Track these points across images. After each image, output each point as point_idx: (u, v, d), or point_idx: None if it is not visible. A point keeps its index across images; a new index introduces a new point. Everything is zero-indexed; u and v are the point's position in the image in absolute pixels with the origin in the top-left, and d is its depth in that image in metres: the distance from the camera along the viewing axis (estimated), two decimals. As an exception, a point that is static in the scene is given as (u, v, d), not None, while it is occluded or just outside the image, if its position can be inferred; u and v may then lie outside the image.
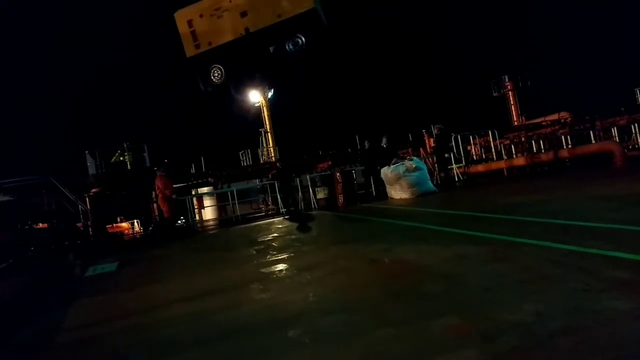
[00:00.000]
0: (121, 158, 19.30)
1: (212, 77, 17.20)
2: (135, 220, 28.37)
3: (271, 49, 16.59)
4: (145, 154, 19.37)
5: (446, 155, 15.77)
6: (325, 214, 13.03)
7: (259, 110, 28.24)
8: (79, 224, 14.25)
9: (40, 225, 15.84)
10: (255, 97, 27.99)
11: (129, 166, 19.24)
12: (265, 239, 9.29)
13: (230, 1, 16.20)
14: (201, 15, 16.70)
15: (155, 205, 13.03)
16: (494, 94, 36.92)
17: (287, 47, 15.98)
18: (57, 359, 3.96)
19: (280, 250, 7.66)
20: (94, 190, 13.63)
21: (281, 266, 6.22)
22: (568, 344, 2.52)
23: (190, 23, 16.85)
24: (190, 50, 17.01)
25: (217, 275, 6.55)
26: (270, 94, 28.29)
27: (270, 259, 6.89)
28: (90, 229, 13.39)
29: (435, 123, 16.55)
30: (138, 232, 25.12)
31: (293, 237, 9.29)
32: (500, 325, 2.90)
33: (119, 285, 7.06)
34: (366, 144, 16.50)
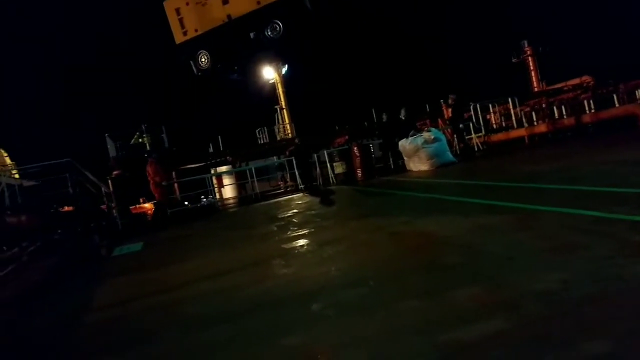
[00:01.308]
0: (140, 140, 19.52)
1: (199, 62, 17.84)
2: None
3: (252, 35, 17.02)
4: (164, 135, 19.55)
5: (461, 125, 15.51)
6: (344, 188, 13.03)
7: (273, 87, 28.08)
8: (103, 206, 14.55)
9: (66, 208, 16.22)
10: (269, 73, 27.79)
11: (148, 147, 19.45)
12: (285, 215, 9.36)
13: None
14: (187, 4, 17.26)
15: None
16: (513, 60, 35.91)
17: (266, 33, 16.47)
18: (87, 337, 4.08)
19: (300, 225, 7.72)
20: (115, 172, 13.84)
21: (302, 241, 6.27)
22: (595, 312, 2.49)
23: (178, 11, 17.48)
24: (178, 37, 17.76)
25: (240, 252, 6.65)
26: (284, 70, 28.06)
27: (291, 235, 6.95)
28: (114, 211, 13.67)
29: (450, 93, 16.30)
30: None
31: (313, 212, 9.34)
32: (525, 294, 2.87)
33: (145, 264, 7.24)
34: (384, 117, 16.33)
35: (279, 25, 16.31)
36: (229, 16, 16.62)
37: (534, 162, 10.78)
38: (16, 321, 5.15)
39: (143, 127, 19.43)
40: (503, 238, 4.40)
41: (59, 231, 13.69)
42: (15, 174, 19.75)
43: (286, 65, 28.02)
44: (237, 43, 17.36)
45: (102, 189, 14.11)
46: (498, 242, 4.28)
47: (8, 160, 29.61)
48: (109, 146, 18.12)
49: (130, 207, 14.70)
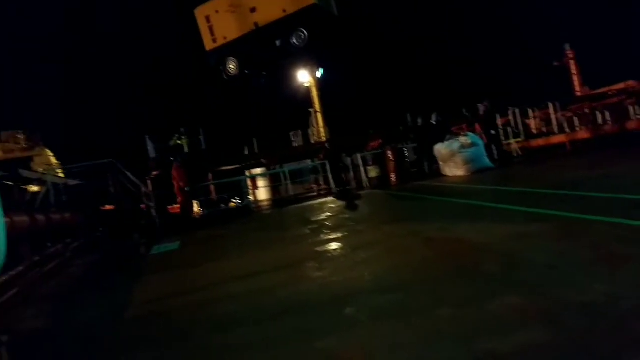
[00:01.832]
0: (179, 142, 19.97)
1: (228, 68, 18.35)
2: (194, 201, 29.42)
3: (277, 42, 17.37)
4: (201, 137, 19.95)
5: (492, 132, 15.10)
6: (377, 192, 12.96)
7: (308, 90, 28.22)
8: (143, 206, 14.97)
9: (107, 207, 16.76)
10: (304, 77, 27.95)
11: (186, 149, 19.88)
12: (319, 218, 9.37)
13: None
14: (217, 12, 17.82)
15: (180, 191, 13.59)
16: (554, 64, 34.75)
17: (291, 40, 16.76)
18: (127, 332, 4.21)
19: (333, 229, 7.72)
20: (154, 173, 14.21)
21: (335, 245, 6.26)
22: (642, 326, 2.38)
23: (208, 19, 18.00)
24: (208, 44, 18.25)
25: (273, 253, 6.71)
26: (319, 74, 28.15)
27: (325, 238, 6.95)
28: (152, 210, 14.04)
29: (483, 100, 16.23)
30: (197, 213, 26.04)
31: (346, 216, 9.32)
32: (567, 306, 2.78)
33: (182, 263, 7.40)
34: (419, 121, 16.15)
35: (303, 33, 16.62)
36: (256, 24, 17.15)
37: (576, 168, 10.42)
38: (60, 315, 5.36)
39: (182, 130, 19.92)
40: (544, 247, 4.27)
41: (101, 229, 14.16)
42: (60, 173, 20.60)
43: (321, 69, 28.11)
44: (264, 50, 17.84)
45: (142, 189, 14.52)
46: (538, 251, 4.15)
47: (54, 160, 30.95)
48: (148, 147, 18.64)
49: (168, 207, 15.03)
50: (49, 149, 31.62)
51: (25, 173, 17.82)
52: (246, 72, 18.88)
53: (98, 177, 15.65)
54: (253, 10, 17.10)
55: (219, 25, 17.92)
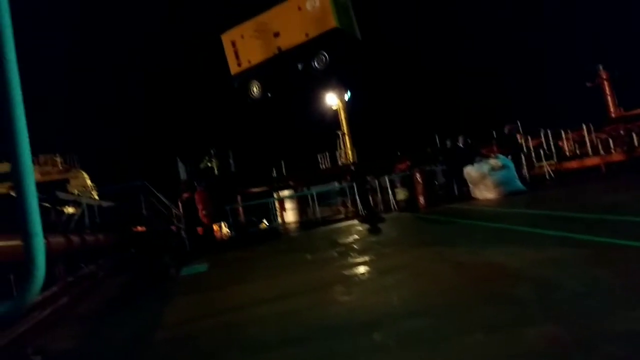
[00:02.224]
0: (209, 164, 20.38)
1: (252, 91, 18.78)
2: (222, 223, 29.80)
3: (299, 66, 17.66)
4: (231, 160, 20.31)
5: (509, 156, 14.77)
6: (405, 215, 12.84)
7: (336, 112, 28.45)
8: (173, 227, 15.24)
9: (139, 228, 17.12)
10: (332, 100, 28.24)
11: (216, 171, 20.26)
12: (346, 241, 9.34)
13: (265, 23, 17.78)
14: (242, 37, 18.46)
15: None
16: (587, 85, 34.06)
17: (312, 64, 17.08)
18: (156, 354, 4.25)
19: (361, 252, 7.67)
20: (185, 195, 14.47)
21: (363, 268, 6.22)
22: (685, 358, 2.27)
23: (233, 44, 18.65)
24: (233, 68, 18.78)
25: (301, 276, 6.70)
26: (347, 97, 28.40)
27: (352, 261, 6.91)
28: (182, 232, 14.28)
29: (508, 123, 16.14)
30: (225, 235, 26.32)
31: (373, 239, 9.26)
32: (603, 335, 2.68)
33: (210, 284, 7.47)
34: (447, 143, 16.03)
35: (325, 56, 16.91)
36: (279, 48, 17.56)
37: (611, 191, 10.10)
38: (92, 336, 5.47)
39: (212, 152, 20.38)
40: (579, 273, 4.14)
41: (132, 250, 14.45)
42: (94, 194, 21.24)
43: (349, 92, 28.36)
44: (286, 74, 18.17)
45: (173, 210, 14.82)
46: (573, 277, 4.03)
47: (89, 182, 32.01)
48: (179, 169, 19.07)
49: (198, 229, 15.25)
50: (84, 171, 32.74)
51: (61, 195, 18.42)
52: (268, 95, 19.26)
53: (130, 198, 16.06)
54: (277, 34, 17.55)
55: (243, 49, 18.50)
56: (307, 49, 17.10)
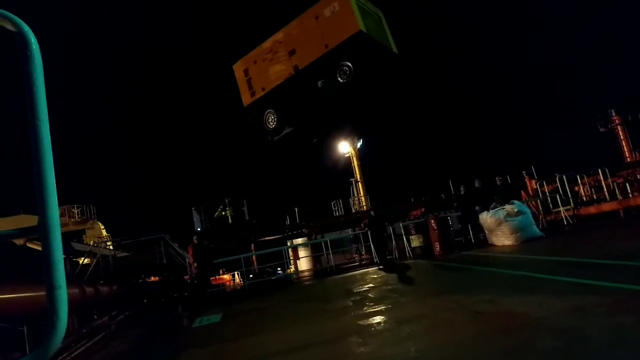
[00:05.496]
0: (223, 213, 20.50)
1: (267, 123, 16.75)
2: (236, 272, 29.63)
3: (319, 83, 15.39)
4: (245, 208, 20.41)
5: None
6: (421, 263, 12.63)
7: (348, 160, 28.74)
8: (187, 277, 15.17)
9: (152, 278, 17.10)
10: (344, 147, 28.62)
11: (229, 220, 20.34)
12: (361, 290, 9.18)
13: (280, 42, 15.83)
14: (255, 62, 16.55)
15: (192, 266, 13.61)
16: (600, 130, 34.11)
17: (338, 78, 14.68)
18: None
19: (377, 301, 7.52)
20: (190, 249, 14.42)
21: (379, 318, 6.08)
22: None
23: (246, 72, 16.82)
24: (246, 99, 16.88)
25: (316, 327, 6.56)
26: (359, 144, 28.76)
27: (368, 311, 6.78)
28: (195, 282, 14.21)
29: (497, 175, 16.10)
30: (239, 284, 26.10)
31: (389, 287, 9.09)
32: (634, 389, 2.56)
33: (224, 336, 7.34)
34: (462, 189, 15.99)
35: (348, 67, 14.49)
36: (295, 67, 15.45)
37: (632, 237, 9.87)
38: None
39: (226, 201, 20.54)
40: (603, 322, 4.00)
41: (145, 301, 14.37)
42: (110, 245, 21.38)
43: (361, 140, 28.74)
44: (305, 96, 15.92)
45: (187, 260, 14.81)
46: (598, 327, 3.89)
47: (104, 233, 32.30)
48: (194, 219, 19.23)
49: (211, 279, 15.17)
50: (101, 222, 33.12)
51: (77, 246, 18.61)
52: (286, 126, 17.09)
53: (145, 248, 16.13)
54: (292, 52, 15.51)
55: (257, 76, 16.60)
56: (327, 62, 14.73)
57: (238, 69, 17.02)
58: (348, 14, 13.96)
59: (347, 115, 18.46)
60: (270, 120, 16.63)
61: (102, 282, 12.79)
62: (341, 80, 14.56)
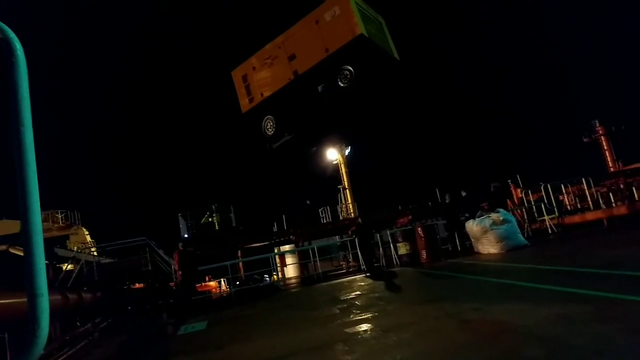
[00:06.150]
0: (210, 219, 20.34)
1: (266, 130, 16.60)
2: (222, 279, 29.37)
3: (319, 88, 15.30)
4: (232, 215, 20.28)
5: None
6: (408, 270, 12.66)
7: (336, 167, 28.80)
8: (172, 284, 15.01)
9: (137, 285, 16.86)
10: (332, 154, 28.68)
11: (216, 227, 20.20)
12: (348, 297, 9.16)
13: (279, 47, 15.64)
14: (254, 68, 16.42)
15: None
16: (584, 140, 34.67)
17: (339, 82, 14.59)
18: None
19: (363, 309, 7.51)
20: (175, 256, 14.28)
21: (366, 326, 6.07)
22: None
23: (244, 78, 16.68)
24: (244, 105, 16.72)
25: (302, 334, 6.53)
26: (347, 151, 28.83)
27: (354, 318, 6.76)
28: (181, 289, 14.07)
29: (494, 181, 16.14)
30: (225, 291, 25.88)
31: (376, 295, 9.09)
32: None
33: (209, 344, 7.25)
34: (446, 197, 16.09)
35: (349, 71, 14.39)
36: (295, 72, 15.27)
37: (616, 246, 10.00)
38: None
39: (213, 207, 20.39)
40: (587, 330, 4.04)
41: (129, 308, 14.17)
42: (94, 251, 21.09)
43: (349, 147, 28.82)
44: (305, 101, 15.81)
45: (173, 267, 14.66)
46: (582, 334, 3.93)
47: (89, 239, 31.85)
48: (180, 225, 19.05)
49: (197, 286, 15.02)
50: (85, 228, 32.67)
51: (60, 252, 18.33)
52: (285, 133, 16.95)
53: (130, 254, 15.93)
54: (292, 57, 15.33)
55: (255, 82, 16.41)
56: (328, 67, 14.62)
57: (237, 75, 16.91)
58: (349, 18, 13.95)
59: (345, 120, 18.20)
60: (269, 126, 16.50)
61: (85, 288, 12.61)
62: (342, 85, 14.49)
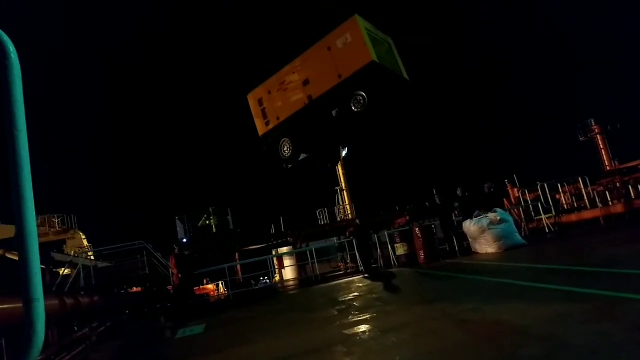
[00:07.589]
0: (207, 222, 20.28)
1: (282, 152, 16.98)
2: (220, 282, 29.29)
3: (333, 112, 15.69)
4: (229, 217, 20.23)
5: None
6: (405, 271, 12.67)
7: (333, 168, 28.79)
8: (169, 287, 14.97)
9: (135, 289, 16.79)
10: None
11: (214, 229, 20.13)
12: (346, 298, 9.15)
13: (293, 72, 16.18)
14: (269, 92, 16.94)
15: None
16: (580, 138, 34.74)
17: (352, 107, 14.99)
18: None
19: (362, 310, 7.51)
20: (172, 259, 14.25)
21: (364, 327, 6.06)
22: None
23: (260, 101, 17.16)
24: (261, 128, 17.28)
25: (300, 336, 6.51)
26: (344, 152, 28.84)
27: (353, 320, 6.75)
28: (179, 292, 14.02)
29: (487, 182, 16.17)
30: (223, 294, 25.83)
31: (374, 296, 9.08)
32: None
33: (207, 347, 7.23)
34: (436, 198, 16.15)
35: (362, 96, 14.81)
36: (309, 97, 15.75)
37: (613, 244, 10.04)
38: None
39: (210, 210, 20.31)
40: (585, 328, 4.04)
41: (127, 312, 14.11)
42: (90, 255, 20.99)
43: (346, 148, 28.82)
44: (319, 125, 16.19)
45: (170, 270, 14.61)
46: (580, 333, 3.93)
47: (85, 243, 31.71)
48: (178, 228, 18.97)
49: (194, 288, 14.98)
50: (82, 232, 32.54)
51: (57, 256, 18.26)
52: (301, 154, 17.18)
53: (127, 258, 15.87)
54: (306, 82, 15.85)
55: (271, 106, 16.92)
56: (341, 92, 15.00)
57: (252, 99, 17.34)
58: (360, 45, 14.36)
59: (358, 140, 18.76)
60: (285, 149, 16.85)
61: (82, 292, 12.54)
62: (355, 109, 14.87)
